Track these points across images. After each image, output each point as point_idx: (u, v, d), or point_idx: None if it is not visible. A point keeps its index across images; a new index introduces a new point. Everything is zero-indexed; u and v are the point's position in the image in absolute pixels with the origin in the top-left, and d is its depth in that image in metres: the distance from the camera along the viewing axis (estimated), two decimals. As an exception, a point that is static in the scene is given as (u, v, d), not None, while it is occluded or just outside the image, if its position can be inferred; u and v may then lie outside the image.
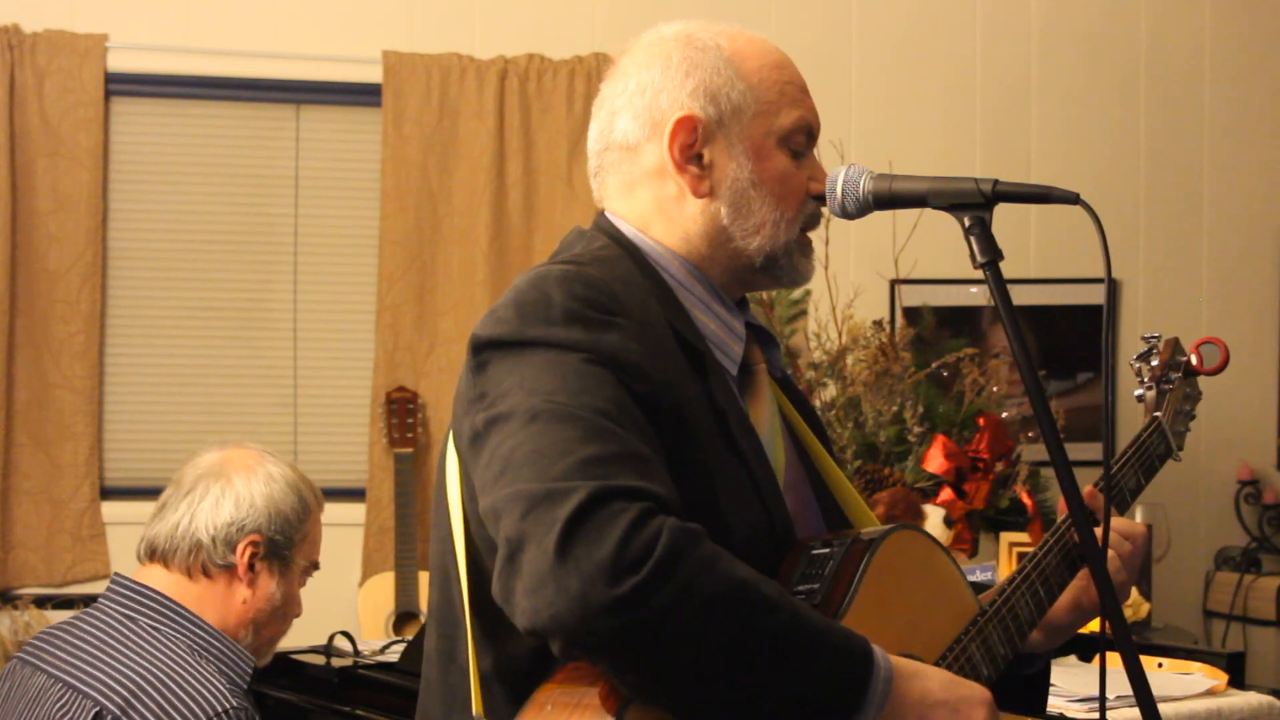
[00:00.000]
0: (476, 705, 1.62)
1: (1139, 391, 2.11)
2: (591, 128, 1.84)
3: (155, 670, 2.34)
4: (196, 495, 2.48)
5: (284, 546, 2.49)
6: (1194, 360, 2.12)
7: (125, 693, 2.31)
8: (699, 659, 1.46)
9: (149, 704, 2.29)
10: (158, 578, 2.47)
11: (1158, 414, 2.07)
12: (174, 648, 2.39)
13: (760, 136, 1.76)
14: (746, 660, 1.47)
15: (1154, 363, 2.11)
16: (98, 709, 2.29)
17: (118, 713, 2.28)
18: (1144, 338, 2.14)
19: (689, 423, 1.64)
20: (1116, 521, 1.91)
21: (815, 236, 1.85)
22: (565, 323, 1.58)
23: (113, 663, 2.35)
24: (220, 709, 2.30)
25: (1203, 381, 2.18)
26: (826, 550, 1.68)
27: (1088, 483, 1.94)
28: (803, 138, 1.79)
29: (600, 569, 1.41)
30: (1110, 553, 1.87)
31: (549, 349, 1.57)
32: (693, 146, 1.76)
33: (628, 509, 1.44)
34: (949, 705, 1.58)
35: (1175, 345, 2.14)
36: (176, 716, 2.28)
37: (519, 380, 1.56)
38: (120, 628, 2.41)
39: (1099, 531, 1.77)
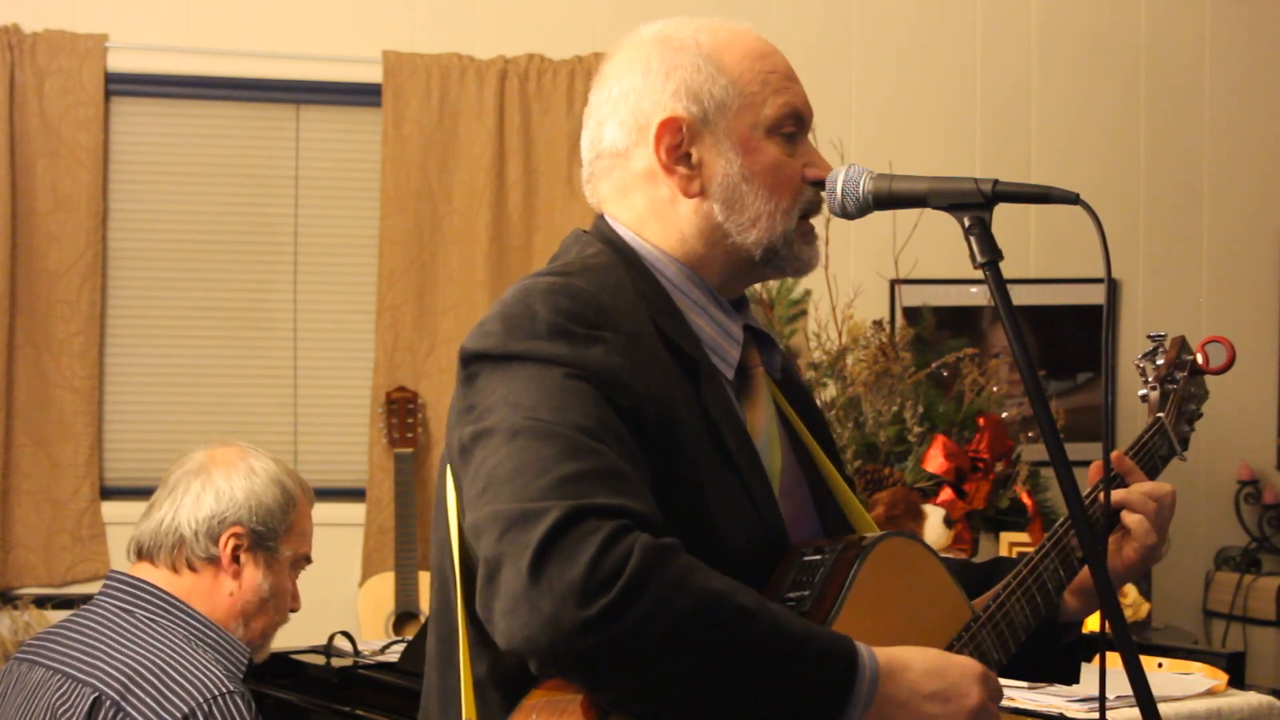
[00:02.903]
0: (468, 710, 1.62)
1: (1143, 391, 2.09)
2: (583, 138, 1.84)
3: (152, 657, 2.38)
4: (179, 492, 2.52)
5: (268, 538, 2.52)
6: (1200, 359, 2.10)
7: (123, 678, 2.34)
8: (674, 675, 1.46)
9: (146, 688, 2.32)
10: (148, 574, 2.51)
11: (1161, 414, 2.06)
12: (171, 637, 2.43)
13: (747, 129, 1.75)
14: (723, 673, 1.47)
15: (1159, 362, 2.09)
16: (96, 695, 2.33)
17: (116, 698, 2.31)
18: (1149, 336, 2.13)
19: (679, 433, 1.63)
20: (1143, 484, 1.93)
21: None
22: (550, 337, 1.59)
23: (111, 652, 2.39)
24: (217, 692, 2.33)
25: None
26: (818, 557, 1.68)
27: (1087, 483, 1.95)
28: (792, 124, 1.78)
29: (571, 590, 1.42)
30: (1139, 516, 1.89)
31: (533, 363, 1.57)
32: (680, 147, 1.75)
33: (601, 528, 1.44)
34: (939, 696, 1.58)
35: (1181, 344, 2.12)
36: (174, 699, 2.31)
37: (504, 395, 1.56)
38: (117, 620, 2.44)
39: (1110, 525, 1.82)
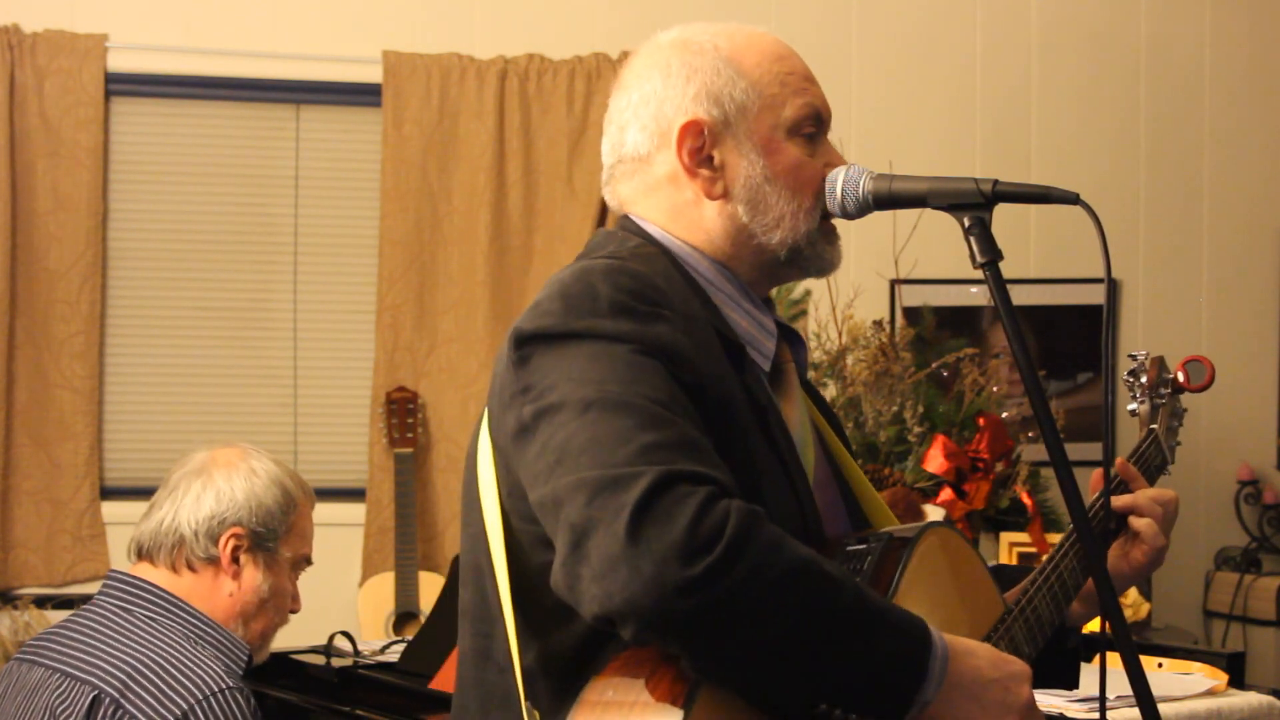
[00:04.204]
0: (525, 698, 1.62)
1: (1132, 406, 2.15)
2: (604, 143, 1.85)
3: (152, 654, 2.38)
4: (180, 492, 2.53)
5: (268, 539, 2.53)
6: (1180, 377, 2.15)
7: (123, 675, 2.35)
8: (771, 636, 1.47)
9: (146, 685, 2.33)
10: (148, 574, 2.51)
11: (1154, 426, 2.11)
12: (170, 635, 2.44)
13: (768, 131, 1.76)
14: (816, 636, 1.48)
15: (1143, 379, 2.15)
16: (96, 692, 2.33)
17: (115, 695, 2.32)
18: (1130, 356, 2.17)
19: (733, 416, 1.65)
20: (1148, 489, 1.98)
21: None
22: (613, 315, 1.59)
23: (110, 650, 2.39)
24: (216, 688, 2.34)
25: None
26: (863, 547, 1.70)
27: (1089, 491, 1.96)
28: (812, 125, 1.78)
29: (673, 550, 1.42)
30: (1147, 520, 1.94)
31: (597, 340, 1.57)
32: (702, 150, 1.76)
33: (695, 492, 1.45)
34: (1000, 683, 1.60)
35: (1160, 363, 2.18)
36: (173, 695, 2.32)
37: (566, 372, 1.56)
38: (117, 619, 2.45)
39: (1114, 520, 1.87)
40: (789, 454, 1.72)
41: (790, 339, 1.85)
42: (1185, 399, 2.22)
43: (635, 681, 1.51)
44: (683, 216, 1.78)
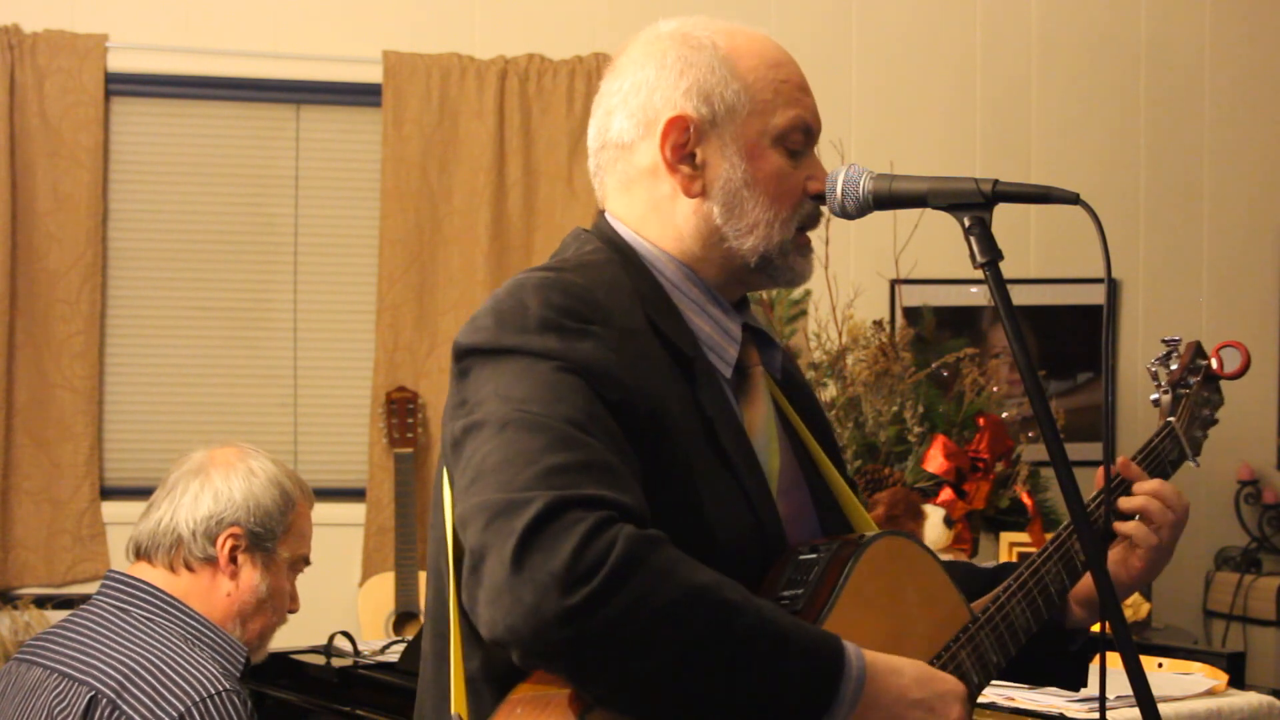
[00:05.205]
0: (457, 704, 1.62)
1: (1155, 396, 2.07)
2: (590, 125, 1.84)
3: (149, 656, 2.38)
4: (178, 492, 2.53)
5: (265, 539, 2.53)
6: (1214, 364, 2.09)
7: (120, 676, 2.35)
8: (656, 667, 1.46)
9: (142, 687, 2.33)
10: (146, 574, 2.52)
11: (1171, 419, 2.05)
12: (167, 636, 2.44)
13: (754, 136, 1.75)
14: (706, 666, 1.47)
15: (1173, 366, 2.08)
16: (93, 693, 2.34)
17: (112, 696, 2.32)
18: (1164, 341, 2.12)
19: (670, 429, 1.63)
20: (1161, 486, 1.93)
21: (815, 236, 1.84)
22: (540, 331, 1.59)
23: (107, 651, 2.39)
24: (213, 690, 2.34)
25: (1203, 382, 2.17)
26: (813, 555, 1.67)
27: (1087, 483, 1.95)
28: (800, 137, 1.78)
29: (554, 579, 1.42)
30: (1133, 523, 1.90)
31: (524, 357, 1.58)
32: (685, 146, 1.75)
33: (585, 518, 1.44)
34: (924, 704, 1.58)
35: (1196, 349, 2.10)
36: (170, 697, 2.32)
37: (494, 388, 1.57)
38: (114, 619, 2.45)
39: (1114, 521, 1.87)
40: (745, 462, 1.70)
41: (760, 340, 1.83)
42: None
43: (549, 690, 1.52)
44: (657, 212, 1.77)
